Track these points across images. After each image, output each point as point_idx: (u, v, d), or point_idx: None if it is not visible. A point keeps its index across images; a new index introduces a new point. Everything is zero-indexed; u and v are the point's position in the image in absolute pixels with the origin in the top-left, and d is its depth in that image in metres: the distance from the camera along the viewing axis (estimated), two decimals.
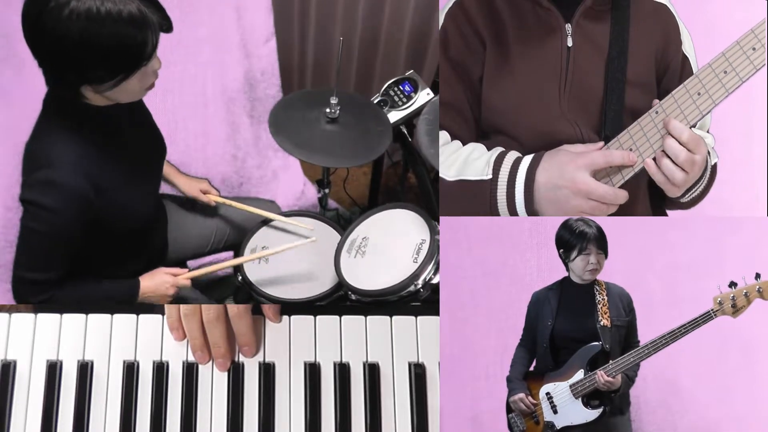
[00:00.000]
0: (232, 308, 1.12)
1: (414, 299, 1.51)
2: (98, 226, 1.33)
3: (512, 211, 1.16)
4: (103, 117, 1.28)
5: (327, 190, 2.06)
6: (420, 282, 1.47)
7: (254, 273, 1.73)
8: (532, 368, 1.37)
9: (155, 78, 1.25)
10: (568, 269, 1.36)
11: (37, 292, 1.34)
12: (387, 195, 2.54)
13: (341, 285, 1.59)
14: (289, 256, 1.74)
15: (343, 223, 1.95)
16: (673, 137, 1.10)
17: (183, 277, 1.50)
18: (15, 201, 1.29)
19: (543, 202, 1.14)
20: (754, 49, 1.05)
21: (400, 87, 2.03)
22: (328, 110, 1.78)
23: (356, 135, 1.80)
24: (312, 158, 1.73)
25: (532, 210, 1.15)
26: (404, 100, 2.01)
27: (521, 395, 1.32)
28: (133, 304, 1.50)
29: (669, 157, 1.10)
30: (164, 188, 1.71)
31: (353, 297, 1.56)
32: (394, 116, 1.99)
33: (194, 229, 1.79)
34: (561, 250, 1.35)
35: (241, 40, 2.14)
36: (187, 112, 2.17)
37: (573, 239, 1.32)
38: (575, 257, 1.32)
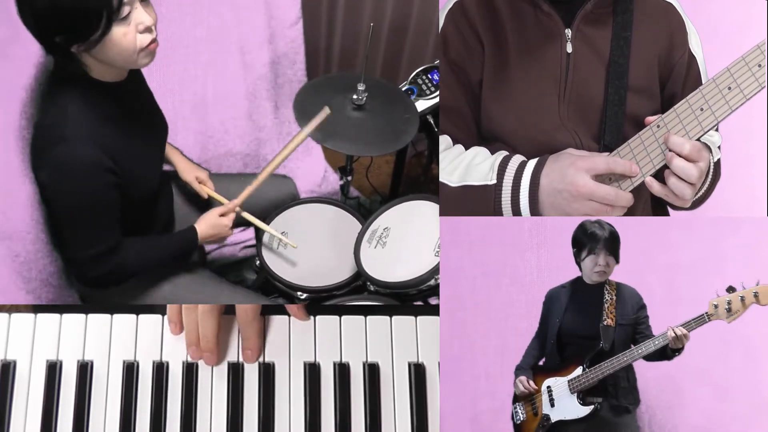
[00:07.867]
0: (241, 311, 1.11)
1: (434, 293, 1.50)
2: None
3: (516, 215, 1.14)
4: (110, 91, 1.29)
5: (350, 178, 2.02)
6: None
7: (273, 258, 1.72)
8: (541, 363, 1.38)
9: (151, 36, 1.21)
10: (581, 269, 1.36)
11: (101, 266, 1.36)
12: (409, 185, 2.49)
13: (360, 275, 1.58)
14: (308, 243, 1.73)
15: (364, 212, 1.91)
16: (676, 154, 1.06)
17: (230, 210, 1.57)
18: None
19: (546, 206, 1.13)
20: (759, 65, 1.02)
21: (429, 76, 1.97)
22: (355, 97, 1.73)
23: (383, 123, 1.74)
24: (337, 145, 1.67)
25: (536, 214, 1.13)
26: (432, 89, 1.94)
27: (523, 377, 1.34)
28: (193, 251, 1.55)
29: (677, 175, 1.06)
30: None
31: (372, 288, 1.54)
32: (421, 105, 1.91)
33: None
34: (574, 249, 1.36)
35: (267, 21, 2.10)
36: (211, 93, 2.16)
37: (585, 239, 1.33)
38: (585, 257, 1.33)
